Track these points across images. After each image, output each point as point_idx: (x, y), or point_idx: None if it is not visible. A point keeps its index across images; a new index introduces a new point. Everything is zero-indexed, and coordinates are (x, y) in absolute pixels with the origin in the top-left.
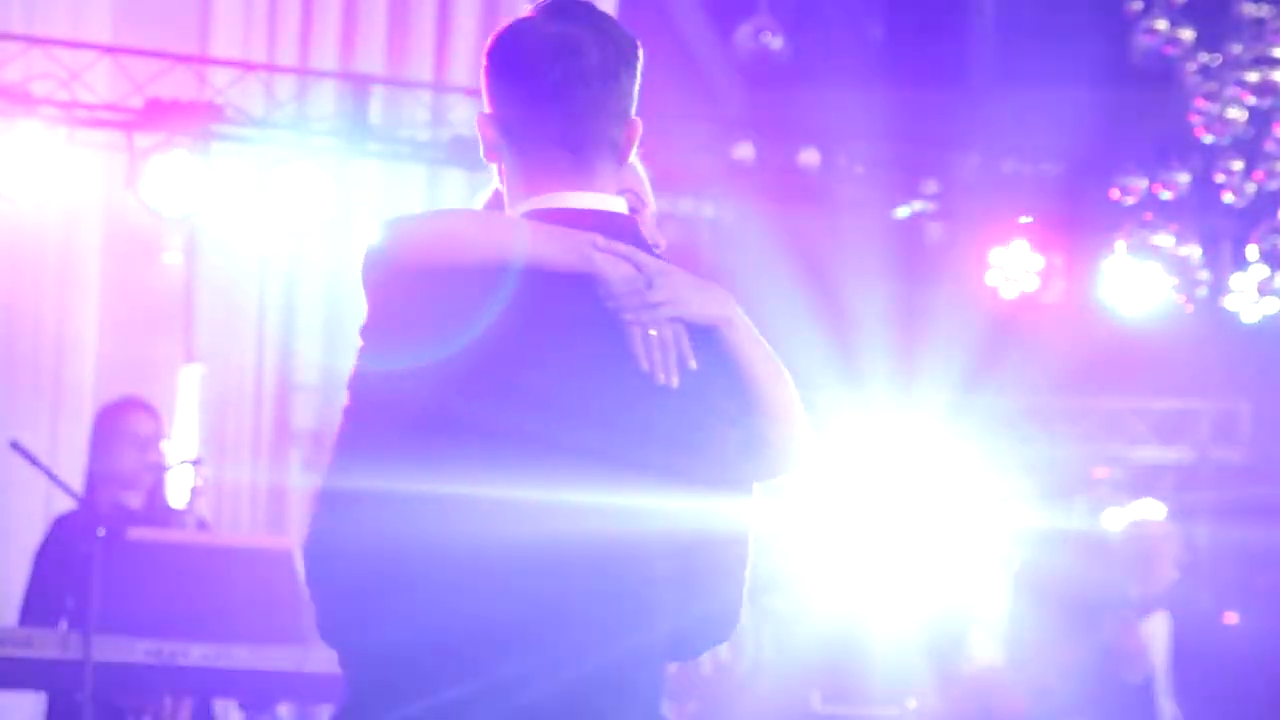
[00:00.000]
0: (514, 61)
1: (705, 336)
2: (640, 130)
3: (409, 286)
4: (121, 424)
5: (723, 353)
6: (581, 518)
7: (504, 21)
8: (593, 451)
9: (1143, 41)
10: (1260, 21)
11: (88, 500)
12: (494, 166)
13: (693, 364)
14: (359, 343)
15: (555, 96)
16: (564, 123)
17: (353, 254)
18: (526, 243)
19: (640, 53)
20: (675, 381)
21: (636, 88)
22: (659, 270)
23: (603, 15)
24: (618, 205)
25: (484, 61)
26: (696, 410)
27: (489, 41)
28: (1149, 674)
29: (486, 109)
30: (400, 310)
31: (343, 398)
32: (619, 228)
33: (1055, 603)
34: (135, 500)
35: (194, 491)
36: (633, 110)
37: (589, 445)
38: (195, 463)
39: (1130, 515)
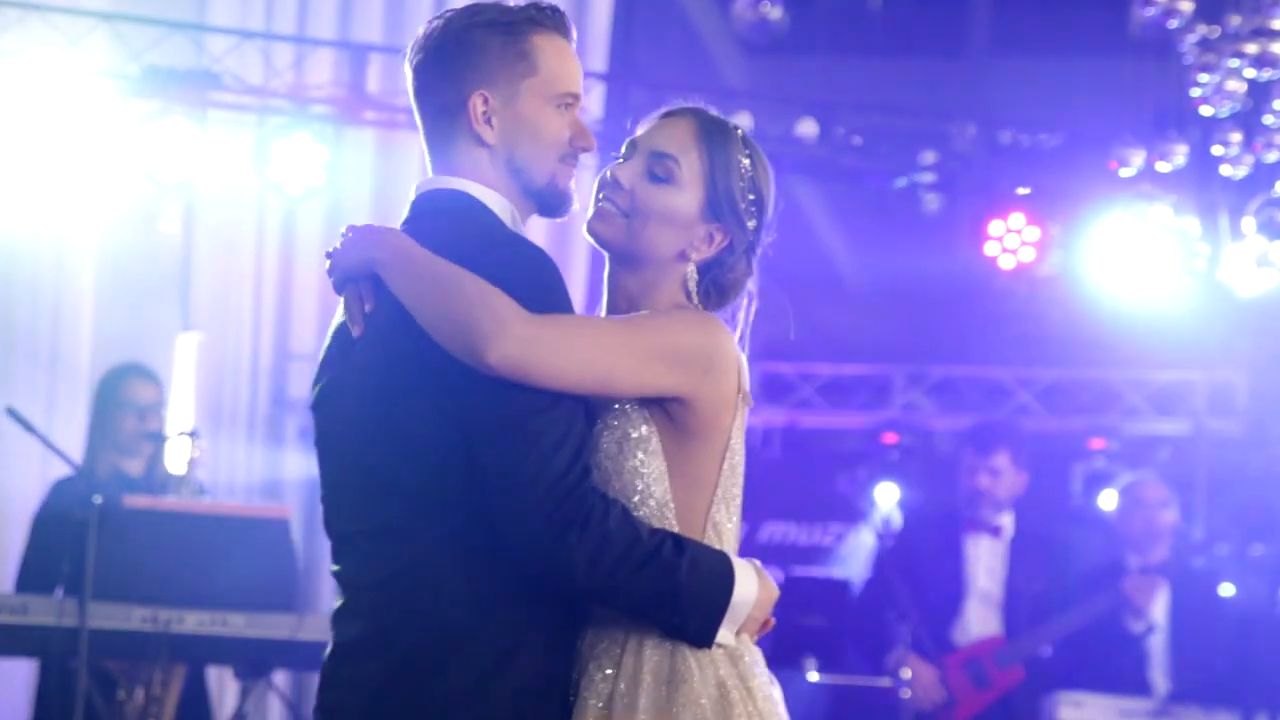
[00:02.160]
0: None
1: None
2: (485, 105)
3: None
4: (122, 391)
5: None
6: None
7: None
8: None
9: (1141, 13)
10: None
11: (86, 467)
12: None
13: (368, 307)
14: None
15: None
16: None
17: (349, 222)
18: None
19: (457, 35)
20: (358, 332)
21: (458, 68)
22: (341, 237)
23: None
24: (451, 183)
25: None
26: (385, 350)
27: None
28: (1151, 624)
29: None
30: None
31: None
32: (439, 206)
33: (1052, 572)
34: (134, 468)
35: (191, 463)
36: (467, 88)
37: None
38: (193, 434)
39: (1127, 485)
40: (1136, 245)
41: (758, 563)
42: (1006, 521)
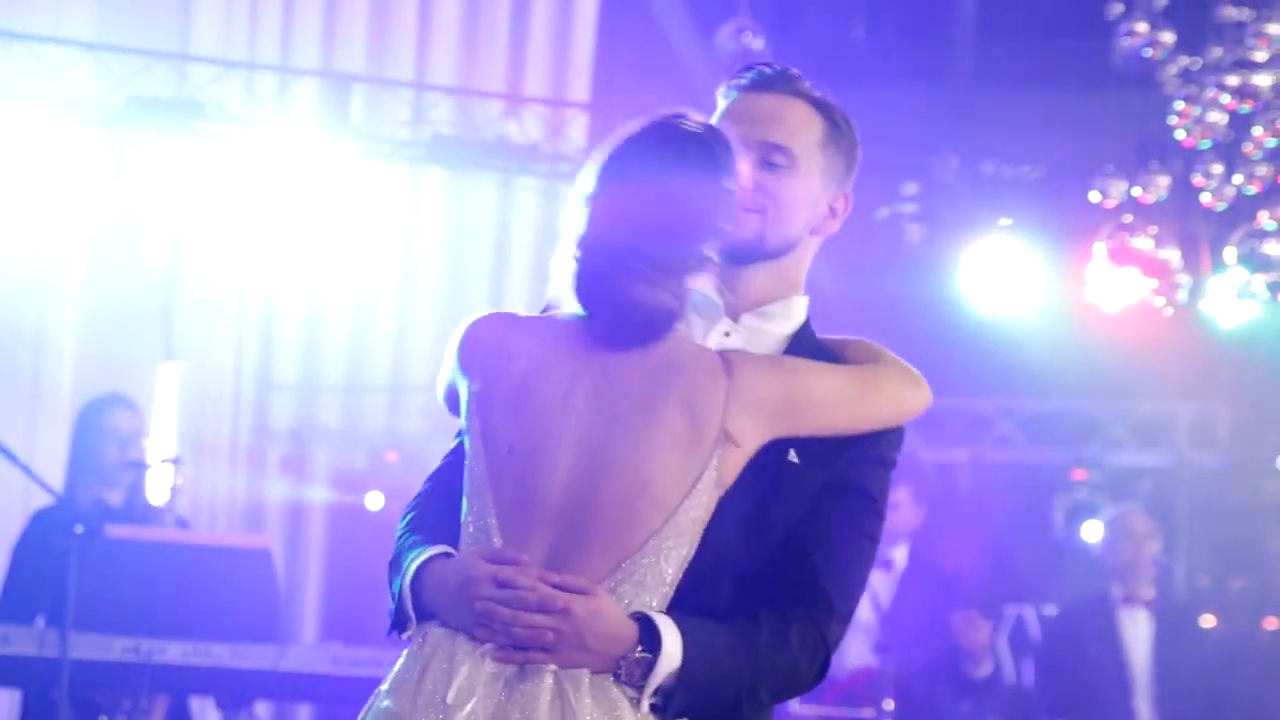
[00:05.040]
0: None
1: None
2: None
3: None
4: (102, 420)
5: None
6: None
7: (485, 21)
8: None
9: (1123, 44)
10: (1241, 25)
11: (67, 496)
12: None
13: None
14: None
15: None
16: None
17: (333, 252)
18: None
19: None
20: None
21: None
22: None
23: None
24: None
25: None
26: None
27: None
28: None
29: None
30: None
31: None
32: None
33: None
34: (115, 497)
35: (173, 490)
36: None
37: None
38: (175, 461)
39: (1110, 517)
40: (1118, 276)
41: None
42: (900, 555)
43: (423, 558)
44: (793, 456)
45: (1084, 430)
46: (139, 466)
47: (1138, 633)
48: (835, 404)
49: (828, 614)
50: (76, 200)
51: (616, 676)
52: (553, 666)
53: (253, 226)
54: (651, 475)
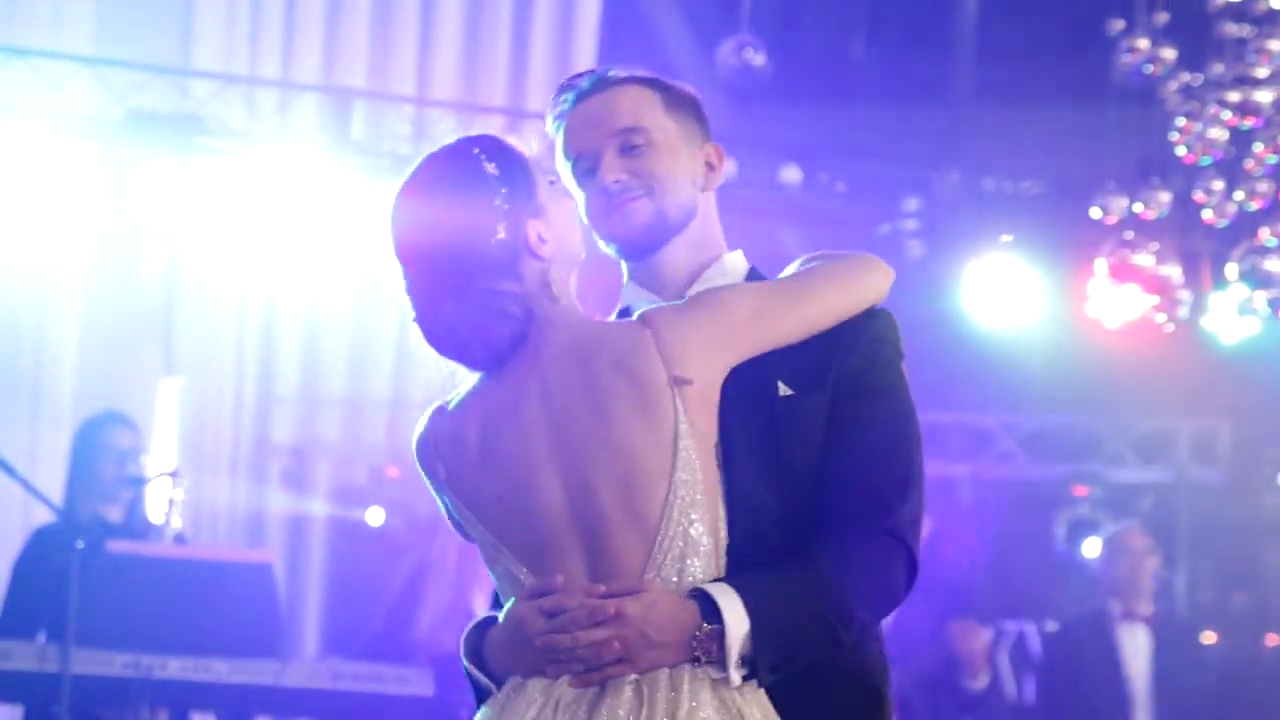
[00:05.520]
0: None
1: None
2: None
3: None
4: (101, 437)
5: None
6: None
7: (486, 36)
8: None
9: (1124, 60)
10: (1242, 41)
11: (67, 512)
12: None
13: None
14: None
15: None
16: None
17: (333, 267)
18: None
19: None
20: None
21: None
22: None
23: None
24: None
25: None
26: None
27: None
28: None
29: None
30: None
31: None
32: None
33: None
34: (115, 513)
35: (172, 504)
36: None
37: None
38: (173, 475)
39: (1110, 533)
40: (1119, 292)
41: None
42: None
43: (471, 634)
44: (783, 389)
45: (1085, 446)
46: (137, 482)
47: (1137, 649)
48: (773, 312)
49: (884, 511)
50: (76, 215)
51: (697, 661)
52: (632, 676)
53: (253, 241)
54: (631, 448)
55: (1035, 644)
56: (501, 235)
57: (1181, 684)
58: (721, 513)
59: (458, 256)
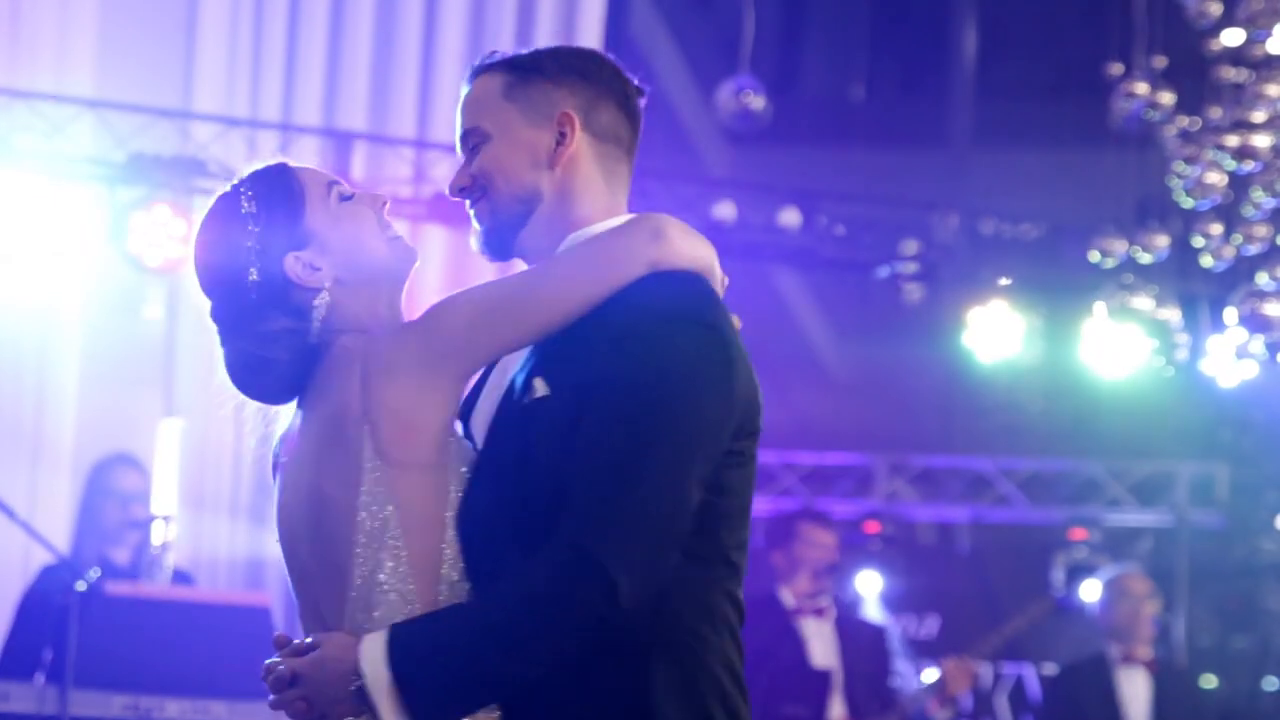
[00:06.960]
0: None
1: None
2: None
3: None
4: (106, 480)
5: None
6: None
7: None
8: None
9: (1122, 104)
10: (1240, 86)
11: (74, 554)
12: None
13: None
14: None
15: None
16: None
17: None
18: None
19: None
20: None
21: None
22: None
23: None
24: None
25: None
26: None
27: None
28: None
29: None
30: None
31: None
32: None
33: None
34: (121, 555)
35: (165, 546)
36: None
37: None
38: (166, 519)
39: (1107, 578)
40: (1118, 336)
41: None
42: (827, 602)
43: None
44: (540, 390)
45: (1083, 489)
46: (143, 526)
47: (1136, 693)
48: (494, 319)
49: (579, 523)
50: (78, 257)
51: (361, 714)
52: None
53: None
54: (320, 492)
55: (1034, 687)
56: (254, 277)
57: None
58: (450, 538)
59: (220, 300)
